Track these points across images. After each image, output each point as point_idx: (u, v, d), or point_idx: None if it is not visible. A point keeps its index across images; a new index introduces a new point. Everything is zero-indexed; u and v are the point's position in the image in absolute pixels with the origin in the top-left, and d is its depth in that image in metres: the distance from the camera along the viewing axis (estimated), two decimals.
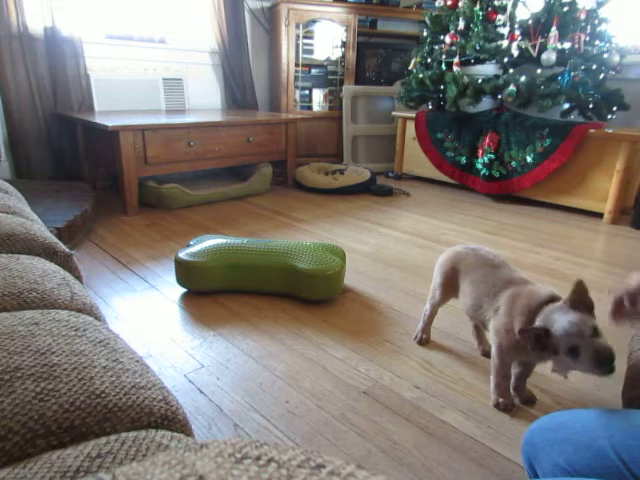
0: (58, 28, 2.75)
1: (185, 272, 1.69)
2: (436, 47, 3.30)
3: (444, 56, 3.19)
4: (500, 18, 2.88)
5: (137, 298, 1.70)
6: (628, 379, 0.90)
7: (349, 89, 3.81)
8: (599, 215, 2.79)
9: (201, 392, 1.20)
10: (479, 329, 1.40)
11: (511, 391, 1.20)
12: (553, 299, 1.04)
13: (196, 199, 2.85)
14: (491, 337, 1.16)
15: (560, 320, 0.96)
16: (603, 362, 0.89)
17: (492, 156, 3.06)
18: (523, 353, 1.09)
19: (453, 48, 3.11)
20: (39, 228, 1.08)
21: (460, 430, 1.10)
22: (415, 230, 2.52)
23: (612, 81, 2.88)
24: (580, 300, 0.97)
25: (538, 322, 1.01)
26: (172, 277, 1.82)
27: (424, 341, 1.44)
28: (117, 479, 0.24)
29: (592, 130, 2.70)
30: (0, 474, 0.40)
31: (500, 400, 1.16)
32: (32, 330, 0.60)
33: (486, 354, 1.36)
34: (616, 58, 2.78)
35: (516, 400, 1.20)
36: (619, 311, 0.75)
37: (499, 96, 2.99)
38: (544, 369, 1.33)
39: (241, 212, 2.76)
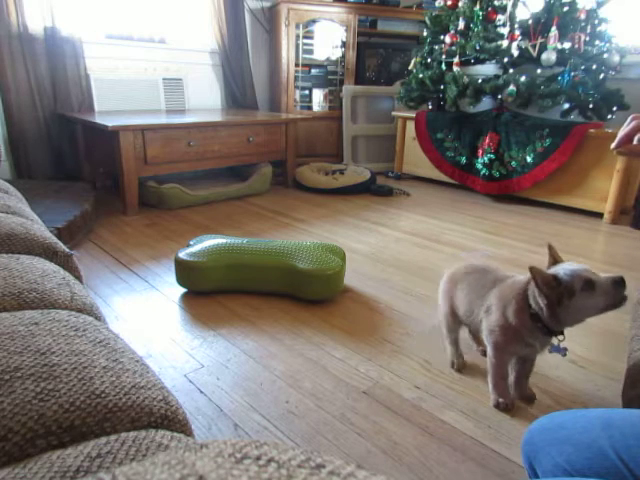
0: (58, 28, 2.75)
1: (185, 272, 1.69)
2: (436, 47, 3.30)
3: (444, 56, 3.19)
4: (500, 18, 2.88)
5: (137, 298, 1.70)
6: (628, 379, 0.90)
7: (349, 89, 3.81)
8: (599, 215, 2.79)
9: (201, 392, 1.20)
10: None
11: (512, 388, 1.20)
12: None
13: (196, 199, 2.85)
14: (485, 337, 1.16)
15: (562, 268, 1.00)
16: (620, 284, 0.94)
17: (492, 156, 3.06)
18: (519, 345, 1.10)
19: (453, 48, 3.11)
20: (39, 228, 1.08)
21: (460, 430, 1.10)
22: (415, 230, 2.52)
23: (612, 81, 2.88)
24: (557, 260, 1.06)
25: (531, 294, 1.05)
26: (172, 277, 1.82)
27: (461, 366, 1.33)
28: (117, 479, 0.24)
29: (592, 130, 2.70)
30: (0, 474, 0.40)
31: (500, 400, 1.16)
32: (32, 330, 0.60)
33: (485, 353, 1.35)
34: (616, 58, 2.78)
35: (515, 396, 1.20)
36: (628, 143, 0.76)
37: (499, 96, 2.99)
38: (544, 369, 1.33)
39: (241, 212, 2.76)
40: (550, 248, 1.07)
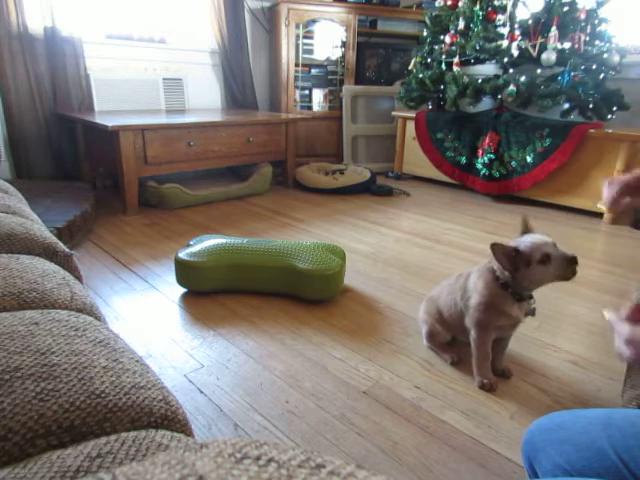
0: (58, 28, 2.75)
1: (185, 272, 1.69)
2: (436, 47, 3.30)
3: (444, 56, 3.19)
4: (500, 18, 2.88)
5: (137, 298, 1.70)
6: (628, 379, 0.90)
7: (349, 89, 3.81)
8: (599, 215, 2.79)
9: (201, 392, 1.20)
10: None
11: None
12: None
13: (196, 199, 2.85)
14: (468, 320, 1.25)
15: (525, 240, 1.11)
16: (572, 261, 1.06)
17: (492, 156, 3.06)
18: (499, 317, 1.19)
19: (453, 48, 3.11)
20: (39, 228, 1.08)
21: (460, 430, 1.10)
22: (415, 230, 2.52)
23: (612, 81, 2.88)
24: (528, 230, 1.16)
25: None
26: (172, 277, 1.82)
27: (456, 359, 1.36)
28: (117, 479, 0.24)
29: (592, 130, 2.70)
30: (0, 474, 0.40)
31: (485, 381, 1.24)
32: (32, 330, 0.60)
33: (453, 362, 1.37)
34: (616, 58, 2.78)
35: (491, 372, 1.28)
36: (616, 202, 0.77)
37: (499, 96, 2.99)
38: (544, 369, 1.33)
39: (241, 212, 2.76)
40: (523, 219, 1.18)
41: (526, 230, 1.17)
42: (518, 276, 1.12)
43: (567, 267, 1.06)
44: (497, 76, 2.97)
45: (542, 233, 1.14)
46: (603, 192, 0.77)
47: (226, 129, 2.90)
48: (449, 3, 3.13)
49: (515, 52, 2.80)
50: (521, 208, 3.00)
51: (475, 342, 1.25)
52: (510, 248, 1.11)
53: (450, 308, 1.31)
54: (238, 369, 1.30)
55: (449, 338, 1.38)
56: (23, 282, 0.77)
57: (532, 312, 1.21)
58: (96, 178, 3.08)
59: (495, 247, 1.10)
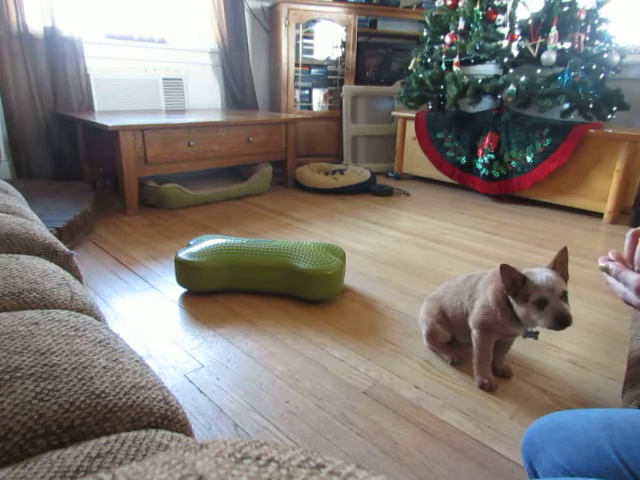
0: (58, 28, 2.75)
1: (185, 272, 1.69)
2: (436, 47, 3.30)
3: (444, 56, 3.19)
4: (500, 18, 2.88)
5: (137, 298, 1.70)
6: (628, 379, 0.90)
7: (349, 89, 3.81)
8: (599, 215, 2.79)
9: (201, 392, 1.20)
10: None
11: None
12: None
13: (196, 199, 2.85)
14: (471, 319, 1.24)
15: (539, 274, 1.06)
16: (561, 322, 1.01)
17: (492, 156, 3.06)
18: (498, 326, 1.18)
19: (453, 48, 3.11)
20: (39, 228, 1.08)
21: (460, 430, 1.10)
22: (415, 230, 2.52)
23: (612, 81, 2.88)
24: (561, 266, 1.09)
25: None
26: (172, 277, 1.82)
27: (457, 358, 1.37)
28: (117, 479, 0.24)
29: (592, 130, 2.70)
30: (0, 474, 0.40)
31: (485, 381, 1.24)
32: (32, 330, 0.60)
33: (454, 362, 1.38)
34: (616, 58, 2.78)
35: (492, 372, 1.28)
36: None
37: (499, 96, 2.99)
38: (544, 369, 1.33)
39: (241, 212, 2.76)
40: (562, 252, 1.10)
41: (560, 263, 1.10)
42: (514, 304, 1.11)
43: (555, 324, 1.02)
44: (497, 76, 2.97)
45: (559, 277, 1.07)
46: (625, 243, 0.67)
47: (226, 129, 2.90)
48: (449, 3, 3.13)
49: (515, 52, 2.80)
50: (521, 208, 3.00)
51: (477, 342, 1.24)
52: (519, 275, 1.07)
53: (455, 309, 1.30)
54: (238, 369, 1.30)
55: (449, 338, 1.38)
56: (23, 282, 0.77)
57: (534, 335, 1.17)
58: (96, 178, 3.08)
59: (504, 269, 1.06)
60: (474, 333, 1.24)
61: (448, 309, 1.33)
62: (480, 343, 1.24)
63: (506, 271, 1.06)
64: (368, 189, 3.27)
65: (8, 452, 0.44)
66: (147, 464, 0.25)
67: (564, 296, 1.04)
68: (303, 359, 1.35)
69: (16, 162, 2.81)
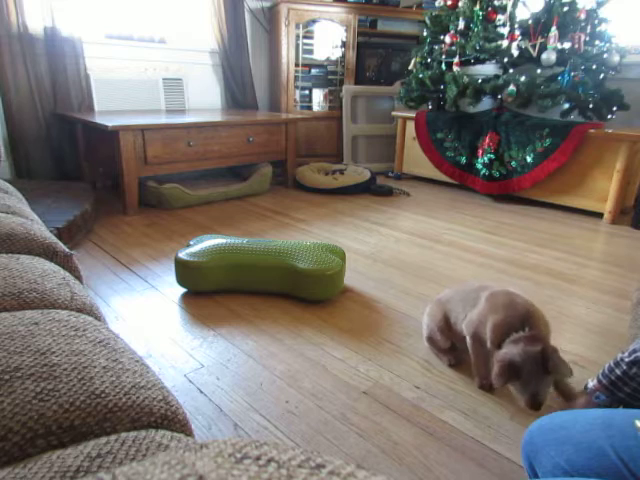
0: (58, 28, 2.75)
1: (185, 272, 1.69)
2: (436, 47, 3.30)
3: (444, 56, 3.19)
4: (500, 18, 2.87)
5: (137, 298, 1.70)
6: None
7: (349, 89, 3.81)
8: (599, 215, 2.79)
9: (201, 392, 1.20)
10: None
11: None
12: (525, 322, 1.12)
13: (196, 199, 2.85)
14: (465, 325, 1.25)
15: (519, 349, 1.05)
16: (533, 407, 1.04)
17: (492, 156, 3.06)
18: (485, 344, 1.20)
19: (453, 48, 3.11)
20: (39, 228, 1.08)
21: (460, 430, 1.10)
22: (415, 230, 2.52)
23: (612, 81, 2.88)
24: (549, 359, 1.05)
25: (513, 348, 1.08)
26: (172, 277, 1.82)
27: (456, 359, 1.37)
28: (117, 479, 0.24)
29: (592, 130, 2.70)
30: (0, 474, 0.40)
31: (484, 382, 1.25)
32: (32, 330, 0.60)
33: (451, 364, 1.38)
34: (616, 58, 2.78)
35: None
36: None
37: (499, 96, 2.99)
38: None
39: (241, 212, 2.76)
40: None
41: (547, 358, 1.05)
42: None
43: (528, 406, 1.04)
44: (497, 76, 2.97)
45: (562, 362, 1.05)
46: None
47: (226, 129, 2.90)
48: (449, 3, 3.13)
49: (515, 52, 2.80)
50: (521, 208, 3.00)
51: (470, 349, 1.25)
52: (513, 371, 1.04)
53: (458, 315, 1.29)
54: (238, 369, 1.30)
55: (448, 345, 1.36)
56: (23, 282, 0.77)
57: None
58: (96, 178, 3.08)
59: (510, 367, 1.04)
60: (467, 339, 1.25)
61: (451, 314, 1.32)
62: (473, 350, 1.24)
63: (503, 366, 1.05)
64: (368, 189, 3.27)
65: (8, 452, 0.44)
66: (147, 464, 0.25)
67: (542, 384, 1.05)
68: (303, 359, 1.35)
69: (16, 162, 2.80)
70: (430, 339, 1.38)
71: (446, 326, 1.33)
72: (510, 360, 1.04)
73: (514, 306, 1.15)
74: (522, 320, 1.12)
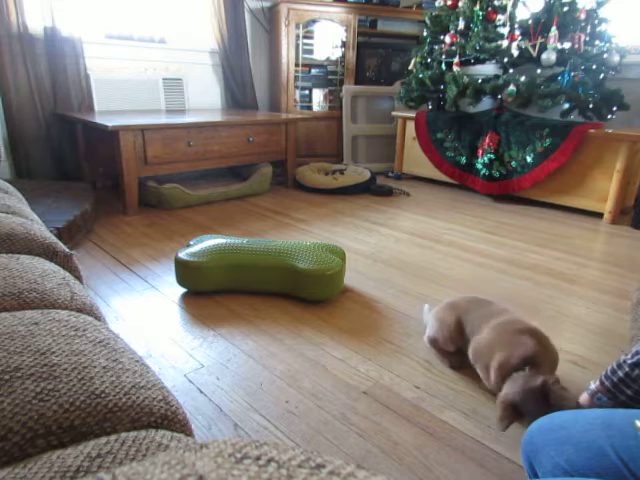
0: (58, 28, 2.75)
1: (185, 272, 1.69)
2: (436, 47, 3.30)
3: (444, 56, 3.19)
4: (500, 18, 2.87)
5: (137, 298, 1.70)
6: None
7: (349, 89, 3.81)
8: (599, 215, 2.79)
9: (201, 392, 1.20)
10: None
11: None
12: (529, 361, 1.11)
13: (196, 199, 2.85)
14: (470, 353, 1.26)
15: (519, 388, 1.05)
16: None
17: (492, 156, 3.06)
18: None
19: (453, 48, 3.11)
20: (39, 228, 1.08)
21: (460, 430, 1.10)
22: (415, 230, 2.52)
23: (612, 81, 2.88)
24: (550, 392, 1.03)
25: (512, 386, 1.07)
26: (172, 277, 1.82)
27: (459, 363, 1.36)
28: (117, 479, 0.24)
29: (592, 130, 2.70)
30: (0, 474, 0.40)
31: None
32: (32, 330, 0.60)
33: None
34: (616, 58, 2.78)
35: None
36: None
37: (499, 96, 2.99)
38: None
39: (241, 212, 2.76)
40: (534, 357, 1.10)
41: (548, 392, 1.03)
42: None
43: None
44: (497, 76, 2.97)
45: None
46: None
47: (226, 129, 2.90)
48: (449, 3, 3.13)
49: (515, 52, 2.80)
50: (521, 208, 3.00)
51: (479, 373, 1.25)
52: (508, 400, 1.04)
53: (473, 329, 1.28)
54: (238, 369, 1.30)
55: (453, 349, 1.34)
56: (23, 282, 0.77)
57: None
58: (96, 178, 3.08)
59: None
60: (473, 364, 1.25)
61: (467, 324, 1.29)
62: (482, 376, 1.24)
63: (506, 407, 1.05)
64: (368, 189, 3.27)
65: (8, 452, 0.44)
66: (147, 464, 0.25)
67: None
68: (303, 359, 1.36)
69: (16, 162, 2.80)
70: (434, 340, 1.37)
71: (457, 333, 1.31)
72: (511, 401, 1.04)
73: (518, 344, 1.13)
74: (525, 360, 1.10)
